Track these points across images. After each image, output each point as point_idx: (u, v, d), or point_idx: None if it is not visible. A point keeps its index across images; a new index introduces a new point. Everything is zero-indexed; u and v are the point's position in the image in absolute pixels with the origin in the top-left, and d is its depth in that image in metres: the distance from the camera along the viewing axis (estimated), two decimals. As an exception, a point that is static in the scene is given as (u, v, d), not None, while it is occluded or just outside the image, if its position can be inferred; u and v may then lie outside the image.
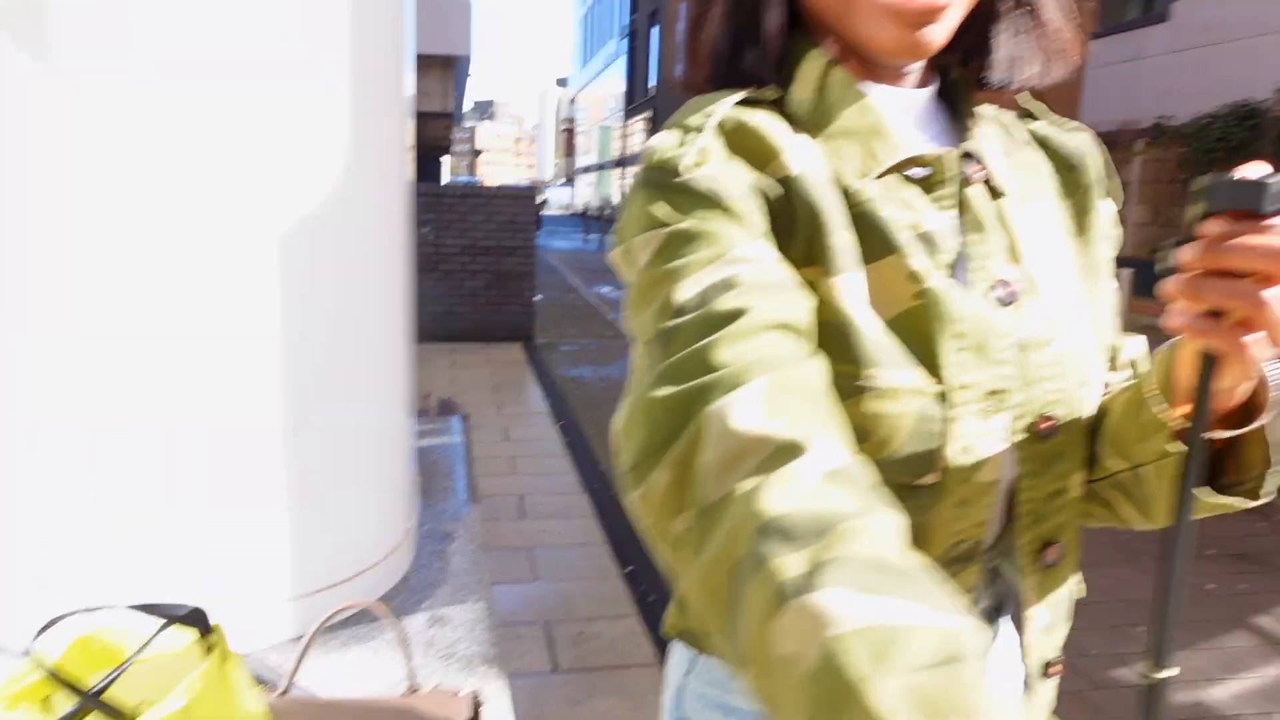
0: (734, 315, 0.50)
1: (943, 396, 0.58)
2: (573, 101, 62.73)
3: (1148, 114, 11.72)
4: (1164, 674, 0.58)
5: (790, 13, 0.64)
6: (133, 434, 1.41)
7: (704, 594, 0.44)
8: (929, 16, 0.58)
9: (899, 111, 0.64)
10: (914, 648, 0.34)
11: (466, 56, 11.82)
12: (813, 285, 0.57)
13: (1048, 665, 0.69)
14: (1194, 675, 2.70)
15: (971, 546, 0.63)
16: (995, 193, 0.64)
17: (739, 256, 0.53)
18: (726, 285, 0.51)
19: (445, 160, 28.05)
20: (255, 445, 1.53)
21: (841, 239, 0.58)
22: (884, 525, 0.41)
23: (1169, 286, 0.51)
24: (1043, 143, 0.71)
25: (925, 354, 0.58)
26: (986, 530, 0.63)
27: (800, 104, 0.62)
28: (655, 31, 33.14)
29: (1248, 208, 0.48)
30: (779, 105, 0.63)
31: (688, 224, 0.54)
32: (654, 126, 34.22)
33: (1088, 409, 0.65)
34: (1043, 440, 0.62)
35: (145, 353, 1.40)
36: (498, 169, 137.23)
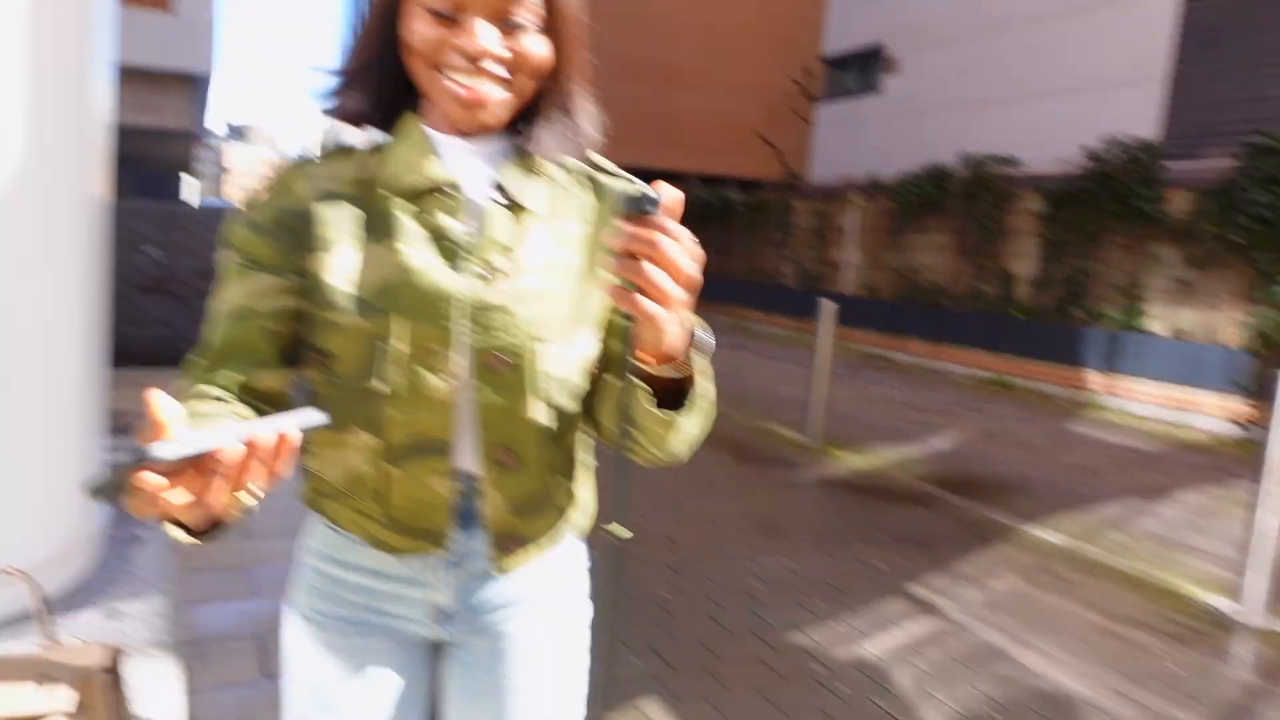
0: (216, 309, 0.90)
1: (388, 335, 0.84)
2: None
3: (866, 171, 13.31)
4: (620, 531, 0.84)
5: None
6: None
7: None
8: (479, 106, 0.86)
9: (461, 154, 0.91)
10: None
11: (207, 75, 11.14)
12: (314, 262, 0.87)
13: (508, 538, 0.94)
14: (853, 634, 3.16)
15: (440, 441, 0.88)
16: (518, 210, 0.90)
17: (251, 274, 0.90)
18: (224, 293, 0.90)
19: (188, 179, 25.93)
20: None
21: (327, 232, 0.86)
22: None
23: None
24: (596, 186, 0.97)
25: (391, 306, 0.84)
26: (451, 432, 0.88)
27: (386, 145, 0.90)
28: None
29: (639, 211, 0.71)
30: (366, 149, 0.91)
31: (228, 252, 0.91)
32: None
33: (544, 359, 0.89)
34: (493, 372, 0.87)
35: None
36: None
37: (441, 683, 1.01)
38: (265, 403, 0.86)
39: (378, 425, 0.87)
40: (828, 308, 6.20)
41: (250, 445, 0.63)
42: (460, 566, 0.94)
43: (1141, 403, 8.48)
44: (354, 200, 0.89)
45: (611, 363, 0.96)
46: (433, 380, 0.86)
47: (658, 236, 0.70)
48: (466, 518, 0.93)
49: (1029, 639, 3.23)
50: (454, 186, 0.89)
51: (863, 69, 15.21)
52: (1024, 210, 10.02)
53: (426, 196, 0.89)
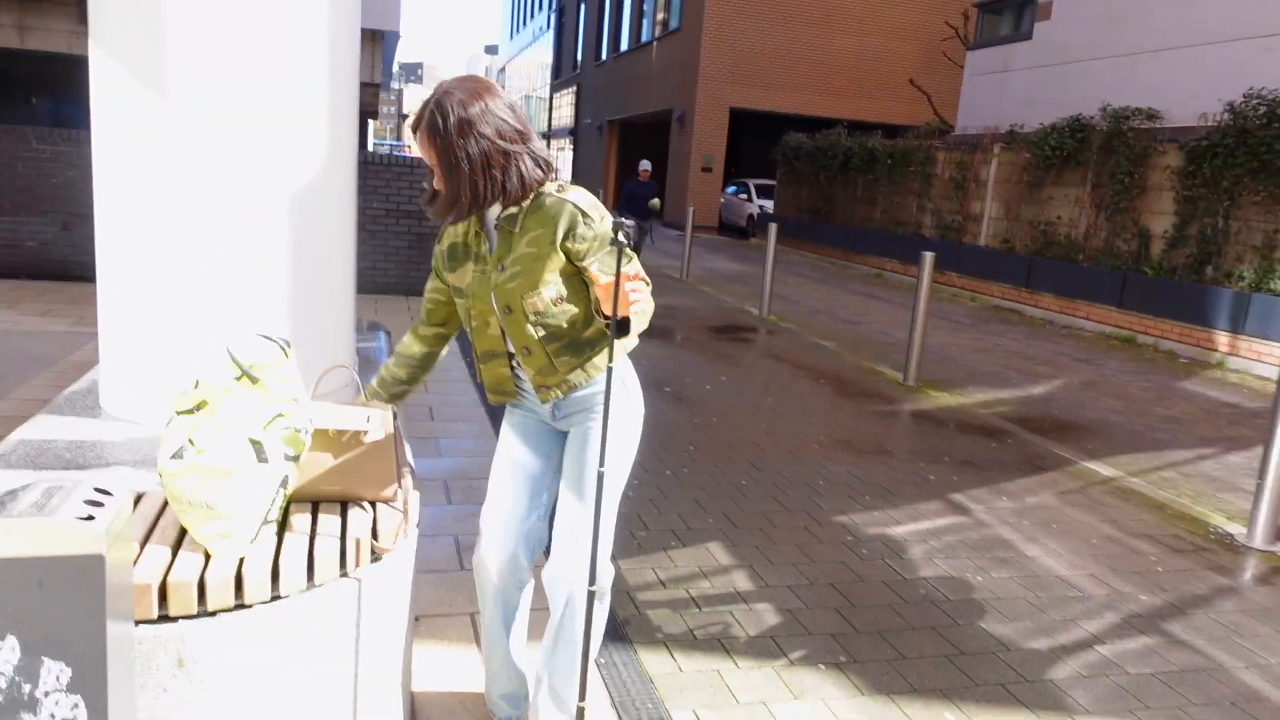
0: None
1: (469, 304, 1.86)
2: (502, 70, 62.65)
3: (1011, 121, 13.25)
4: (593, 588, 1.83)
5: None
6: (217, 293, 2.44)
7: None
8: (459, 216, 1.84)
9: (490, 213, 1.86)
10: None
11: (395, 31, 12.55)
12: (449, 275, 1.91)
13: (540, 388, 1.92)
14: (887, 520, 3.98)
15: (502, 350, 1.91)
16: (510, 231, 1.84)
17: (433, 278, 2.03)
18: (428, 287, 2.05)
19: (370, 124, 28.38)
20: (269, 321, 2.58)
21: (448, 264, 1.89)
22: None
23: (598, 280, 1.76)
24: (555, 204, 1.85)
25: (468, 291, 1.86)
26: (505, 344, 1.89)
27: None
28: (582, 8, 33.78)
29: (618, 241, 1.66)
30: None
31: (433, 262, 2.02)
32: (578, 100, 34.93)
33: (526, 304, 1.82)
34: (507, 314, 1.85)
35: (231, 274, 2.43)
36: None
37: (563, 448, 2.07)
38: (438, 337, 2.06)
39: (474, 345, 1.95)
40: (927, 257, 6.80)
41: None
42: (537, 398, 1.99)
43: (1267, 364, 8.50)
44: (457, 244, 1.91)
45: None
46: (490, 321, 1.89)
47: (623, 280, 1.66)
48: (522, 380, 1.98)
49: (1039, 538, 3.94)
50: (481, 231, 1.88)
51: (1017, 13, 14.92)
52: (1163, 165, 9.95)
53: (475, 237, 1.89)
